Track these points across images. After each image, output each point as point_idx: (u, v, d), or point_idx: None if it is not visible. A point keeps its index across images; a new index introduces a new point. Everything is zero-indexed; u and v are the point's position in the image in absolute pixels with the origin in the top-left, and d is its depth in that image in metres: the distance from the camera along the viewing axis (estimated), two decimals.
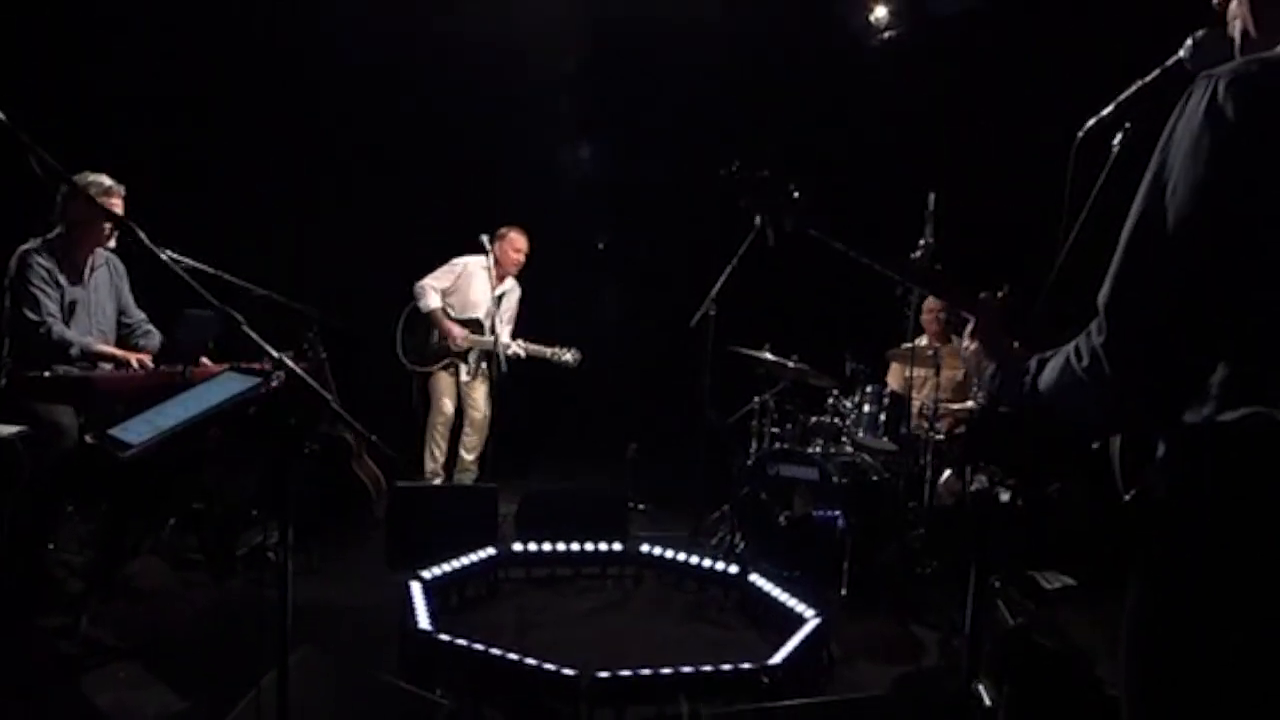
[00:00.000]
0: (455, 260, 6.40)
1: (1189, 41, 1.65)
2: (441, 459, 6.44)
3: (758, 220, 6.15)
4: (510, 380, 6.23)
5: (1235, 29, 1.47)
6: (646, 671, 3.26)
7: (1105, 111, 1.82)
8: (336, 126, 7.32)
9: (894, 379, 6.23)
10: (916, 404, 5.81)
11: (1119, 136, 1.74)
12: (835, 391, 5.69)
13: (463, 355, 6.31)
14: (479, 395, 6.40)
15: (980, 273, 6.07)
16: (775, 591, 4.37)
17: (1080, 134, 1.84)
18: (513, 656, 3.35)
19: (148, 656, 3.57)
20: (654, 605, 4.61)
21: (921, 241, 1.98)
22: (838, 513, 5.07)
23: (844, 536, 4.99)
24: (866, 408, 5.50)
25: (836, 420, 5.61)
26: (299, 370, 1.95)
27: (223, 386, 2.06)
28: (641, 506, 6.62)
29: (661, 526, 6.20)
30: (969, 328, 1.81)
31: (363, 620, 4.14)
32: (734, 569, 4.69)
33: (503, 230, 6.39)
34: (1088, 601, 4.91)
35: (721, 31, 7.17)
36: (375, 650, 3.75)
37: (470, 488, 5.65)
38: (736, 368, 5.97)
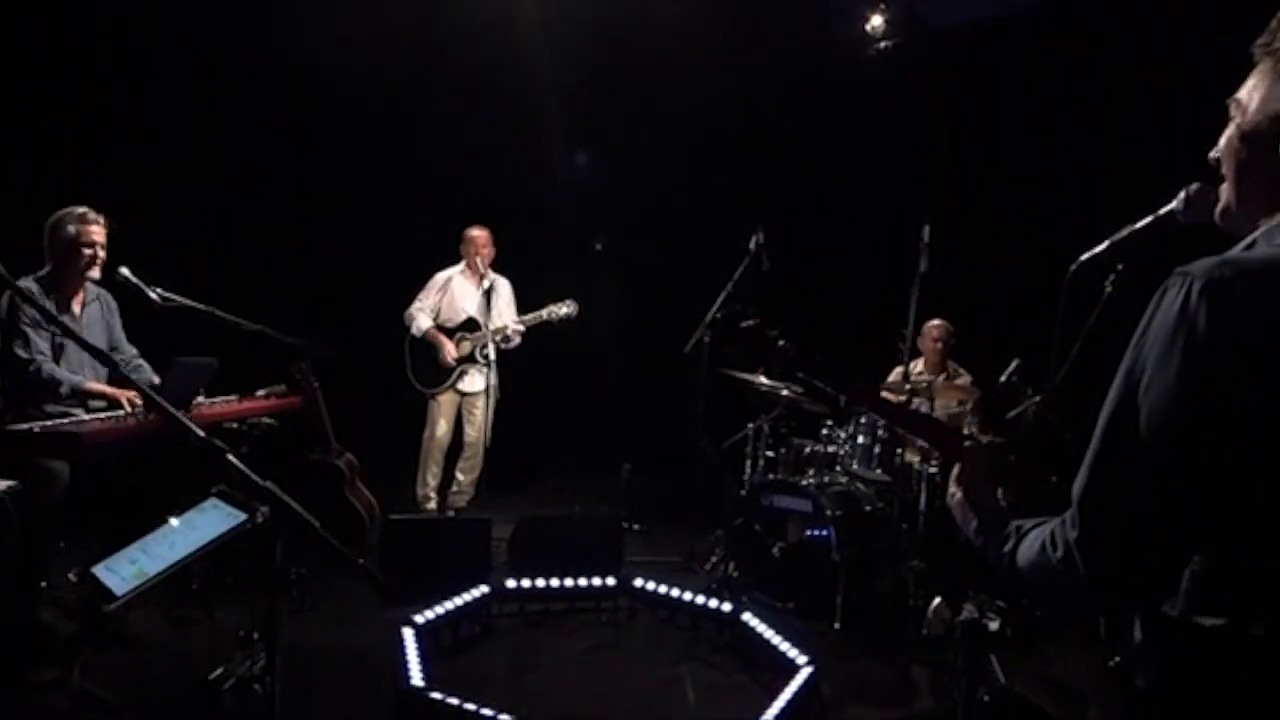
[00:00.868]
0: (435, 277, 6.47)
1: (1182, 194, 1.65)
2: (435, 482, 6.44)
3: (752, 245, 6.15)
4: (506, 395, 6.23)
5: (1221, 194, 1.46)
6: None
7: (1099, 248, 1.81)
8: (329, 138, 7.31)
9: (891, 384, 6.23)
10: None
11: (1111, 277, 1.73)
12: (829, 421, 5.69)
13: (469, 358, 6.30)
14: (476, 414, 6.39)
15: (973, 299, 6.07)
16: (768, 634, 4.38)
17: (1073, 267, 1.83)
18: (505, 718, 3.35)
19: (142, 710, 3.58)
20: (648, 644, 4.62)
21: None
22: (828, 531, 5.08)
23: (838, 568, 5.00)
24: (860, 439, 5.50)
25: (830, 449, 5.61)
26: (288, 500, 1.91)
27: (209, 521, 2.03)
28: (636, 527, 6.64)
29: (656, 548, 6.22)
30: (955, 472, 1.81)
31: (355, 667, 4.14)
32: (727, 607, 4.69)
33: (464, 233, 6.43)
34: (1080, 639, 4.93)
35: (720, 43, 7.13)
36: (368, 704, 3.76)
37: (463, 520, 5.66)
38: (732, 389, 5.96)
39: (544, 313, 6.26)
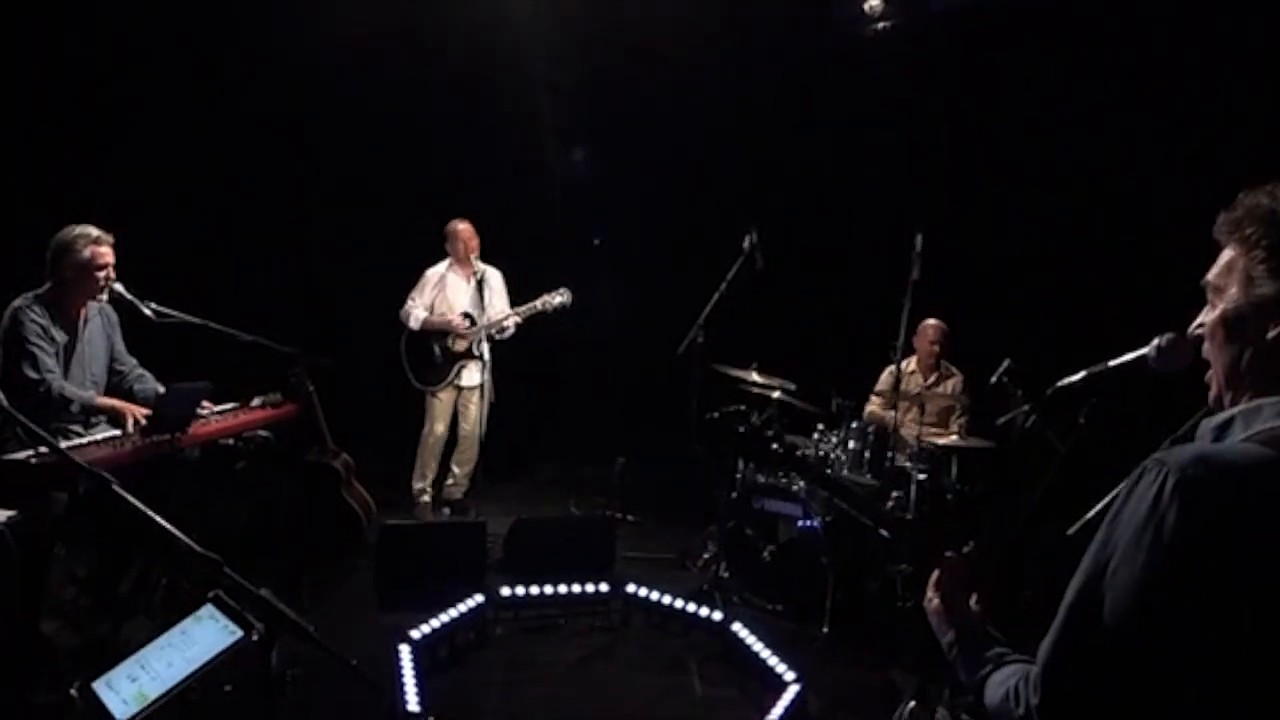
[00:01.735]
0: (426, 274, 6.47)
1: (1156, 342, 1.68)
2: (430, 477, 6.52)
3: (746, 244, 6.16)
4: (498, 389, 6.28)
5: (1210, 382, 1.49)
6: None
7: (1075, 378, 1.85)
8: (321, 135, 7.27)
9: (880, 390, 6.29)
10: (905, 425, 5.89)
11: (1085, 409, 1.77)
12: (820, 426, 5.74)
13: (467, 352, 6.32)
14: (472, 408, 6.44)
15: (966, 296, 6.04)
16: (757, 646, 4.48)
17: (1049, 391, 1.87)
18: None
19: None
20: (641, 654, 4.71)
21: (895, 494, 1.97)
22: (815, 522, 5.16)
23: (826, 571, 5.08)
24: (851, 444, 5.57)
25: (821, 453, 5.67)
26: (283, 608, 1.96)
27: (207, 636, 2.07)
28: (630, 518, 6.73)
29: (650, 542, 6.30)
30: (933, 577, 1.85)
31: (351, 685, 4.20)
32: (718, 616, 4.78)
33: (447, 228, 6.44)
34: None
35: (718, 33, 7.06)
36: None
37: (459, 524, 5.74)
38: (725, 382, 6.00)
39: (538, 303, 6.27)
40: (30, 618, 3.97)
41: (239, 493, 4.96)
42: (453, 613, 4.56)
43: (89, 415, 4.49)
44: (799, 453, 5.67)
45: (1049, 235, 6.76)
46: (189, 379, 4.92)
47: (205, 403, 4.73)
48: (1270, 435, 1.32)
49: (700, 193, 7.71)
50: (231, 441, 4.74)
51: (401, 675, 3.90)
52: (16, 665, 3.86)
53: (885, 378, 6.21)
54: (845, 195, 7.25)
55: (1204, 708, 1.29)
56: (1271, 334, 1.37)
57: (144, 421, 4.36)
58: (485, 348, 6.09)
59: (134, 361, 4.88)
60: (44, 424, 4.31)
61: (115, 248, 4.55)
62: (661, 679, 4.47)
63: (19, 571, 3.74)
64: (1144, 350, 1.73)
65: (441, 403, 6.40)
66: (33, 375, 4.28)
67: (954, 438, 5.46)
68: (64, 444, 4.10)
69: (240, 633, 1.94)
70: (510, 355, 6.47)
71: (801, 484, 5.41)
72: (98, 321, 4.68)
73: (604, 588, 5.08)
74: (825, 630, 5.00)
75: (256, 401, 5.05)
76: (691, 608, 4.87)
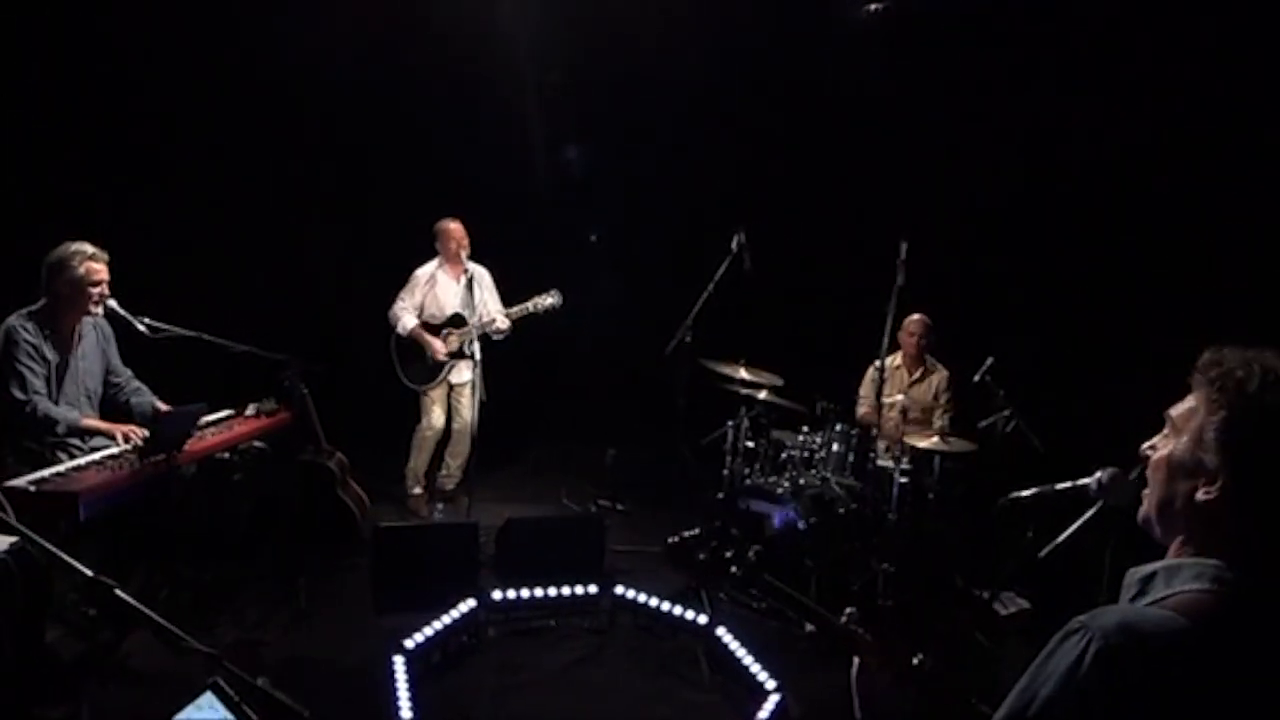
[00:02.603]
0: (414, 273, 6.50)
1: (1100, 475, 1.77)
2: (423, 469, 6.64)
3: (734, 244, 6.23)
4: (490, 388, 6.36)
5: (1145, 500, 1.57)
6: None
7: (1026, 493, 1.95)
8: (311, 134, 7.31)
9: (865, 393, 6.40)
10: (888, 421, 6.01)
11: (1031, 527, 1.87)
12: (805, 428, 5.85)
13: (458, 353, 6.41)
14: (465, 403, 6.54)
15: (949, 301, 6.11)
16: (740, 652, 4.63)
17: (1001, 501, 1.97)
18: None
19: None
20: (628, 657, 4.84)
21: (848, 611, 2.08)
22: (793, 513, 5.29)
23: (810, 572, 5.23)
24: (835, 446, 5.68)
25: (807, 453, 5.78)
26: (280, 696, 2.07)
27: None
28: (620, 507, 6.88)
29: (640, 532, 6.44)
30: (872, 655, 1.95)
31: (349, 690, 4.35)
32: (703, 619, 4.93)
33: (437, 227, 6.47)
34: (1042, 631, 5.18)
35: (714, 24, 7.04)
36: None
37: (452, 525, 5.86)
38: (714, 379, 6.10)
39: (529, 304, 6.34)
40: (35, 635, 4.10)
41: (236, 498, 5.07)
42: (446, 619, 4.70)
43: (80, 435, 4.57)
44: (783, 455, 5.80)
45: (1035, 234, 6.84)
46: (184, 389, 5.05)
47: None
48: (1186, 601, 1.41)
49: (690, 190, 7.75)
50: (227, 455, 4.84)
51: (396, 689, 4.04)
52: (23, 681, 3.99)
53: (871, 374, 6.29)
54: (833, 195, 7.29)
55: None
56: (1200, 496, 1.46)
57: (134, 438, 4.46)
58: (476, 347, 6.16)
59: (129, 374, 4.97)
60: (40, 441, 4.45)
61: (109, 264, 4.62)
62: (648, 683, 4.61)
63: (22, 594, 3.85)
64: (1086, 480, 1.83)
65: (435, 399, 6.49)
66: (19, 396, 4.36)
67: (935, 440, 5.56)
68: (65, 464, 4.22)
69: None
70: (503, 350, 6.55)
71: (786, 485, 5.53)
72: (92, 336, 4.75)
73: (593, 590, 5.21)
74: (809, 629, 5.17)
75: (251, 410, 5.14)
76: (678, 610, 5.01)
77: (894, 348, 6.29)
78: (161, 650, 4.50)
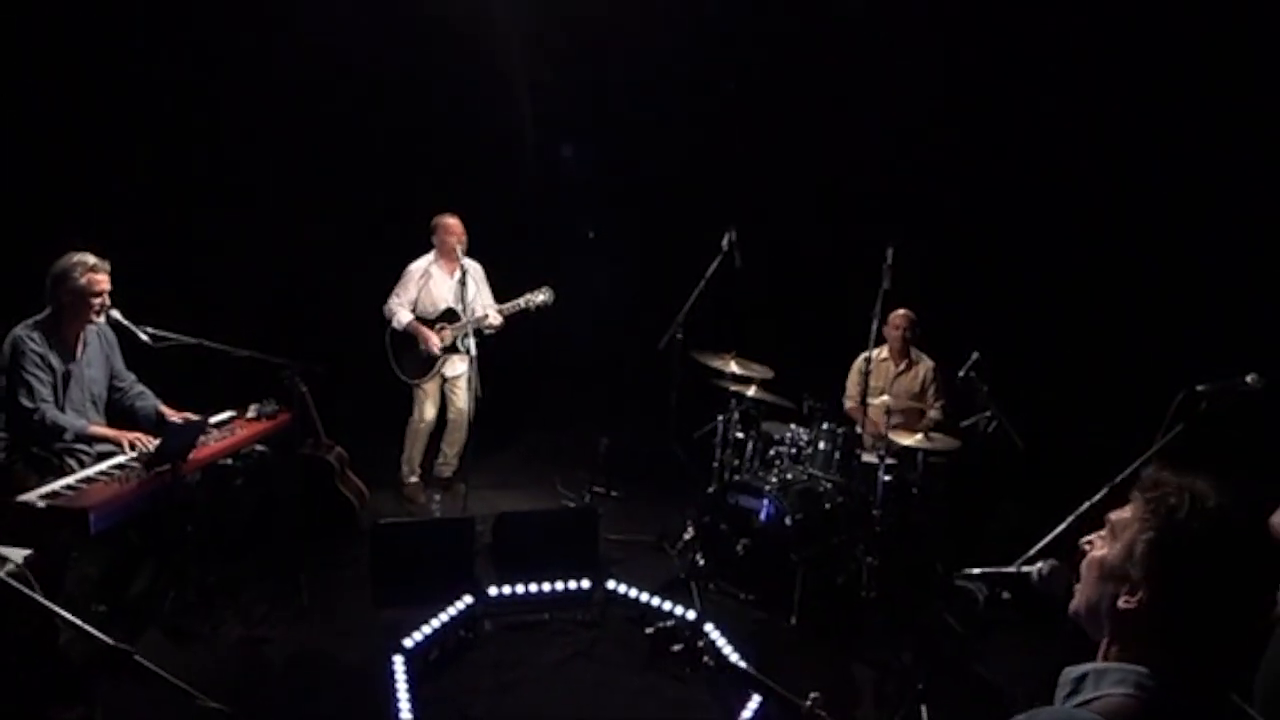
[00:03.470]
0: (409, 268, 6.59)
1: (1041, 567, 1.92)
2: (418, 459, 6.80)
3: (725, 242, 6.34)
4: (485, 381, 6.50)
5: (1076, 593, 1.72)
6: None
7: (974, 571, 2.09)
8: (302, 128, 7.34)
9: (852, 385, 6.54)
10: (874, 407, 6.16)
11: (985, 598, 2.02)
12: (793, 425, 5.99)
13: (452, 347, 6.52)
14: (460, 395, 6.68)
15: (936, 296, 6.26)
16: (726, 649, 4.81)
17: (955, 579, 2.11)
18: None
19: None
20: (619, 652, 5.02)
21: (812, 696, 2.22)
22: (776, 507, 5.45)
23: (796, 567, 5.40)
24: (821, 444, 5.83)
25: (795, 449, 5.93)
26: None
27: None
28: (614, 494, 7.05)
29: (632, 520, 6.62)
30: None
31: (351, 688, 4.53)
32: (691, 615, 5.11)
33: (434, 222, 6.54)
34: (1022, 624, 5.37)
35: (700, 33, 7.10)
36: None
37: (448, 521, 6.00)
38: (705, 373, 6.24)
39: (522, 301, 6.44)
40: (48, 639, 4.26)
41: (239, 501, 5.22)
42: (444, 617, 4.88)
43: (87, 442, 4.69)
44: (772, 451, 5.95)
45: (1021, 230, 6.94)
46: (186, 392, 5.19)
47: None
48: (1112, 705, 1.55)
49: (682, 189, 7.82)
50: (230, 461, 4.98)
51: (396, 690, 4.22)
52: (38, 686, 4.16)
53: (858, 365, 6.42)
54: (823, 194, 7.37)
55: None
56: (1122, 603, 1.60)
57: (139, 445, 4.59)
58: (471, 342, 6.27)
59: (133, 378, 5.08)
60: (48, 448, 4.58)
61: (112, 275, 4.71)
62: (638, 678, 4.80)
63: (37, 604, 4.01)
64: (1029, 569, 1.98)
65: (428, 392, 6.63)
66: (27, 404, 4.48)
67: (920, 437, 5.71)
68: (74, 476, 4.35)
69: None
70: (500, 342, 6.65)
71: (774, 481, 5.68)
72: (96, 343, 4.86)
73: (585, 584, 5.39)
74: (794, 621, 5.37)
75: (252, 411, 5.27)
76: (667, 606, 5.19)
77: (880, 341, 6.41)
78: (172, 651, 4.72)
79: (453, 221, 6.49)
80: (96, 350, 4.86)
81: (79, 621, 2.22)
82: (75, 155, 6.53)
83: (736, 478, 5.86)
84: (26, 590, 2.28)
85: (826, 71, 7.20)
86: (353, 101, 7.43)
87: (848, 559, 5.72)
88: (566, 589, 5.36)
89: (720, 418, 6.16)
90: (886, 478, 5.65)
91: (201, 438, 4.75)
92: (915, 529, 5.89)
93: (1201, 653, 1.56)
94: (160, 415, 5.02)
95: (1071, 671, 1.66)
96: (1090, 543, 1.74)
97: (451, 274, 6.49)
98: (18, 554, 3.99)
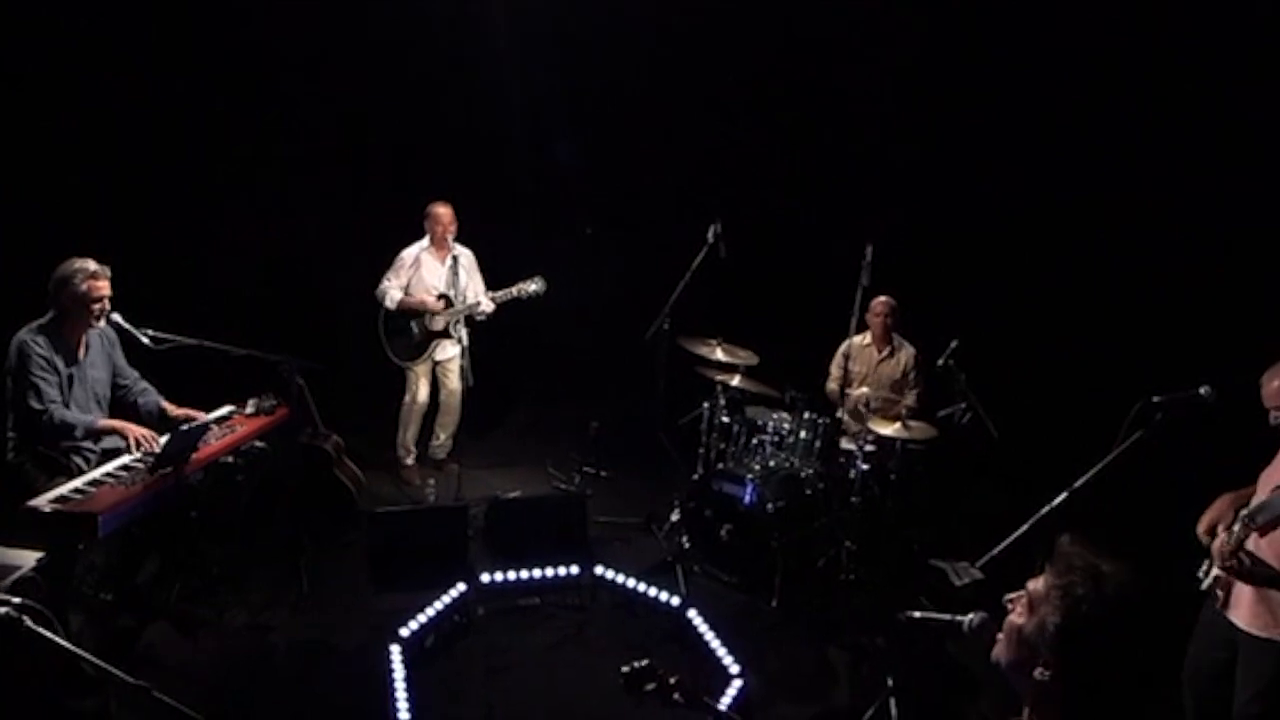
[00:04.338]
0: (401, 254, 6.72)
1: (972, 618, 2.12)
2: (413, 440, 7.00)
3: (710, 235, 6.48)
4: (476, 363, 6.67)
5: (998, 648, 1.91)
6: None
7: (916, 614, 2.29)
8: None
9: (835, 369, 6.70)
10: (855, 395, 6.35)
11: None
12: (777, 412, 6.17)
13: (444, 332, 6.68)
14: (452, 377, 6.86)
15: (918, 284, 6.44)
16: (708, 635, 5.05)
17: (901, 616, 2.31)
18: None
19: None
20: (606, 638, 5.27)
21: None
22: (751, 489, 5.67)
23: (776, 553, 5.62)
24: (803, 434, 6.01)
25: (777, 437, 6.12)
26: None
27: None
28: (604, 474, 7.26)
29: (621, 501, 6.84)
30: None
31: (350, 673, 4.76)
32: (675, 601, 5.33)
33: (427, 210, 6.66)
34: (997, 603, 5.60)
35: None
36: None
37: (442, 508, 6.21)
38: (691, 361, 6.41)
39: (514, 290, 6.59)
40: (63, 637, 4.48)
41: (240, 497, 5.42)
42: (438, 605, 5.10)
43: (96, 437, 4.87)
44: (755, 439, 6.13)
45: (1001, 217, 7.07)
46: (186, 388, 5.34)
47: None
48: None
49: (669, 182, 7.92)
50: (231, 459, 5.16)
51: (393, 680, 4.45)
52: (52, 677, 4.38)
53: (843, 350, 6.58)
54: (806, 187, 7.47)
55: None
56: (1037, 674, 1.79)
57: (145, 443, 4.76)
58: (463, 331, 6.43)
59: (136, 374, 5.23)
60: (54, 447, 4.76)
61: (113, 280, 4.85)
62: (622, 664, 5.03)
63: (48, 603, 4.21)
64: (961, 619, 2.19)
65: (419, 374, 6.80)
66: (36, 406, 4.64)
67: (898, 426, 5.89)
68: (81, 479, 4.53)
69: None
70: (492, 326, 6.80)
71: (757, 469, 5.87)
72: (98, 343, 5.01)
73: (575, 570, 5.60)
74: (774, 604, 5.60)
75: (250, 407, 5.43)
76: (653, 592, 5.42)
77: (863, 327, 6.57)
78: (183, 637, 4.93)
79: (443, 210, 6.61)
80: (99, 350, 5.00)
81: (99, 662, 2.40)
82: (74, 154, 6.62)
83: (721, 465, 6.05)
84: (49, 635, 2.42)
85: (811, 64, 7.27)
86: (345, 94, 7.50)
87: (827, 543, 5.94)
88: (557, 575, 5.57)
89: (706, 404, 6.34)
90: (865, 466, 5.85)
91: (203, 437, 4.91)
92: (893, 514, 6.10)
93: (1105, 716, 1.76)
94: (163, 411, 5.18)
95: None
96: (1012, 603, 1.92)
97: (443, 261, 6.62)
98: (30, 558, 4.20)
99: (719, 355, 6.24)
